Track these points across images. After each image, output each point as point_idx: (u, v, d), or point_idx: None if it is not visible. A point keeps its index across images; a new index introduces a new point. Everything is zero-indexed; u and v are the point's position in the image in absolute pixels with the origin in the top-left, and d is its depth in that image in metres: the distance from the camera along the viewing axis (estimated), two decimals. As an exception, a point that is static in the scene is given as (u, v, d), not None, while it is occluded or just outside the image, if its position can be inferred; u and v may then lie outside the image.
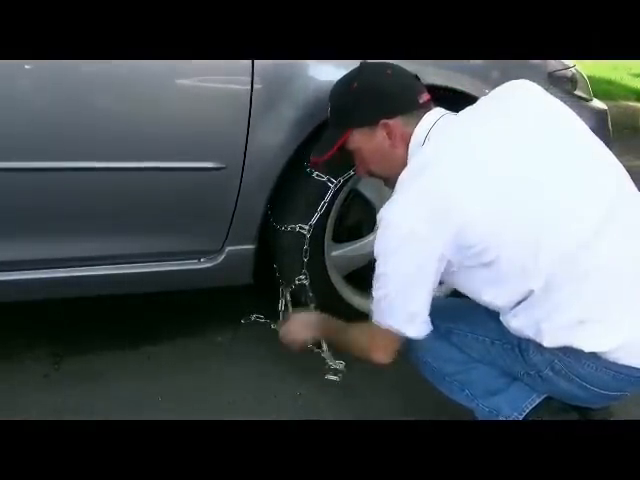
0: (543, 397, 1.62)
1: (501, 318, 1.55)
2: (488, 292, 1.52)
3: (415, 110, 1.60)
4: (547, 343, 1.47)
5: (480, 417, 1.70)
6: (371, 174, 1.73)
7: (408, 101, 1.61)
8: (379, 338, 1.59)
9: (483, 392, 1.67)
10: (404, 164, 1.56)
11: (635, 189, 1.54)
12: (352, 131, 1.64)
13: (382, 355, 1.62)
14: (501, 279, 1.47)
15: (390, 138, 1.60)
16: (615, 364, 1.45)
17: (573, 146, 1.53)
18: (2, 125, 1.62)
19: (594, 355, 1.44)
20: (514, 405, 1.64)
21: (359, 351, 1.69)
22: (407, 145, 1.59)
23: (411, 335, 1.54)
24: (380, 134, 1.61)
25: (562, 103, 1.61)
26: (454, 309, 1.73)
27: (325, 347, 2.09)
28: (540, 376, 1.55)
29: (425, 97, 1.63)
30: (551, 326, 1.46)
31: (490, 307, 1.56)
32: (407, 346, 1.69)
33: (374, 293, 1.54)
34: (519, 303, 1.49)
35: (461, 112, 1.61)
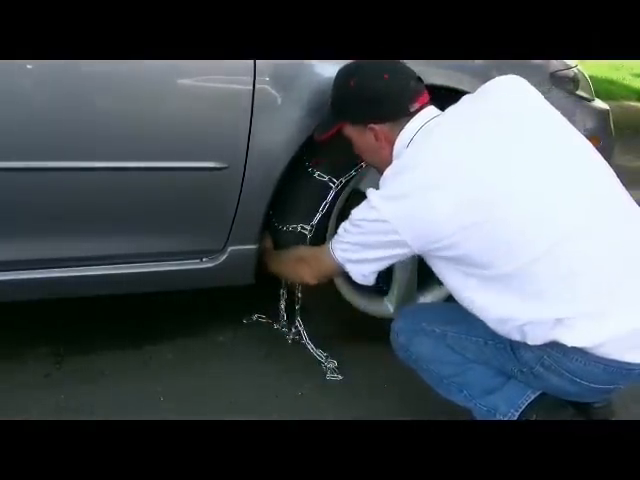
0: (538, 393, 1.65)
1: (489, 324, 1.58)
2: (465, 290, 1.58)
3: (404, 117, 1.65)
4: (531, 342, 1.52)
5: (478, 417, 1.71)
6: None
7: (398, 108, 1.66)
8: (320, 258, 1.72)
9: (480, 392, 1.70)
10: (390, 162, 1.64)
11: (616, 181, 1.56)
12: (345, 124, 1.74)
13: (311, 276, 1.77)
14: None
15: (377, 140, 1.69)
16: (603, 358, 1.47)
17: (554, 145, 1.56)
18: (3, 124, 1.62)
19: (580, 350, 1.47)
20: (510, 402, 1.66)
21: (296, 264, 1.83)
22: (393, 147, 1.67)
23: (349, 272, 1.65)
24: (368, 134, 1.70)
25: (541, 97, 1.64)
26: (449, 312, 1.76)
27: (312, 346, 2.15)
28: (532, 373, 1.59)
29: (418, 103, 1.66)
30: (533, 327, 1.50)
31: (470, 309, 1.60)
32: (405, 351, 1.75)
33: (343, 226, 1.65)
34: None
35: (446, 111, 1.65)
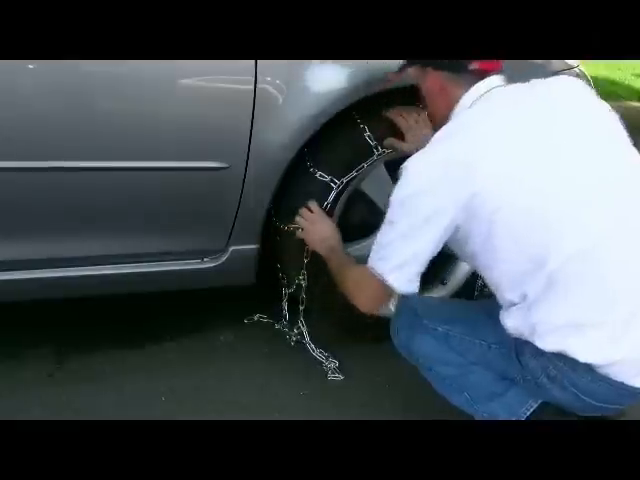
0: (540, 402, 1.63)
1: (500, 316, 1.54)
2: (494, 268, 1.53)
3: (463, 73, 1.62)
4: (541, 344, 1.46)
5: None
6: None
7: (455, 62, 1.64)
8: (364, 283, 1.63)
9: (481, 397, 1.68)
10: (446, 116, 1.62)
11: None
12: (412, 65, 1.72)
13: (363, 301, 1.66)
14: (504, 258, 1.48)
15: (434, 88, 1.66)
16: (611, 379, 1.43)
17: (602, 150, 1.52)
18: (8, 124, 1.63)
19: (589, 366, 1.43)
20: (511, 411, 1.64)
21: (347, 291, 1.72)
22: (451, 102, 1.62)
23: (392, 283, 1.55)
24: (429, 79, 1.67)
25: (601, 103, 1.61)
26: (451, 310, 1.76)
27: (313, 346, 2.16)
28: (536, 383, 1.55)
29: (478, 65, 1.63)
30: (546, 328, 1.45)
31: (494, 290, 1.56)
32: (406, 348, 1.74)
33: (377, 239, 1.58)
34: (515, 304, 1.50)
35: (510, 87, 1.62)
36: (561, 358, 1.46)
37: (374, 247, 1.59)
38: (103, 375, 2.00)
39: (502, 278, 1.52)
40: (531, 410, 1.63)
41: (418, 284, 1.56)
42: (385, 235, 1.55)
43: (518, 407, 1.64)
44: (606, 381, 1.44)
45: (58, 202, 1.75)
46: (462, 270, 2.30)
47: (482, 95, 1.58)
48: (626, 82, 6.64)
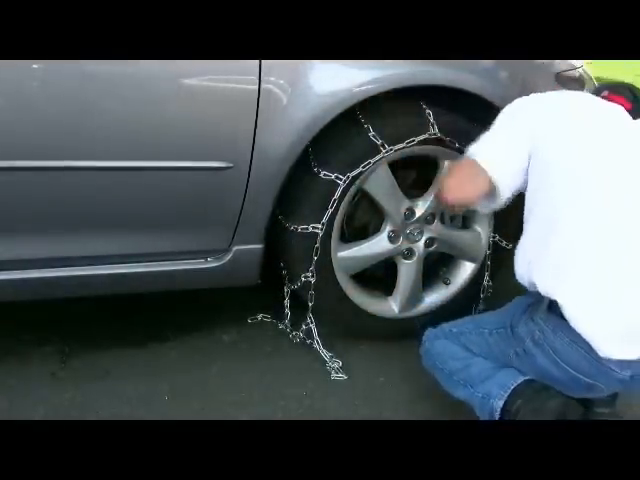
0: (527, 377, 1.73)
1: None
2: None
3: None
4: (538, 281, 1.66)
5: (477, 408, 1.77)
6: None
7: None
8: (457, 168, 1.81)
9: (477, 382, 1.79)
10: None
11: None
12: None
13: (452, 192, 1.77)
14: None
15: None
16: (584, 342, 1.59)
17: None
18: (12, 124, 1.63)
19: (568, 327, 1.60)
20: (501, 385, 1.74)
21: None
22: None
23: (482, 158, 1.72)
24: None
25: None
26: (471, 317, 2.00)
27: (319, 345, 2.16)
28: (524, 350, 1.71)
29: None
30: (540, 266, 1.67)
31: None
32: (427, 354, 1.91)
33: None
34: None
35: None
36: (547, 321, 1.66)
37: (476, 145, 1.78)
38: (106, 374, 2.01)
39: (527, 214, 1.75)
40: (518, 382, 1.72)
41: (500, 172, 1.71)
42: (484, 135, 1.78)
43: (507, 381, 1.73)
44: (581, 346, 1.60)
45: (65, 201, 1.76)
46: (466, 270, 2.30)
47: None
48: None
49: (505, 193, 1.73)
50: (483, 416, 1.75)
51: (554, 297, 1.62)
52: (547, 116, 1.71)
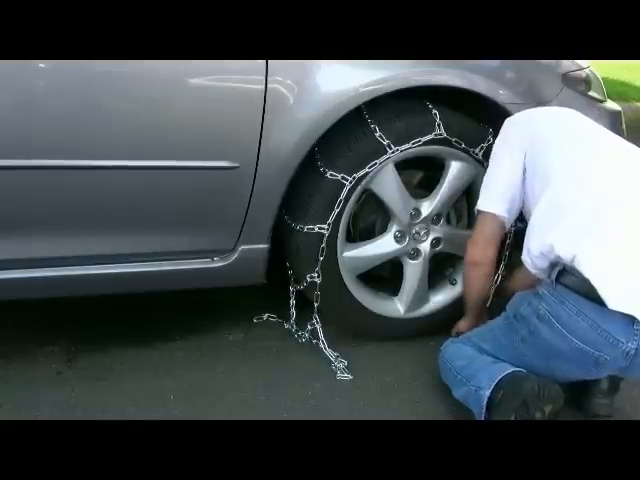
0: (516, 369, 1.77)
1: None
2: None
3: None
4: (556, 241, 1.72)
5: (470, 401, 1.81)
6: None
7: None
8: (476, 231, 2.02)
9: (474, 375, 1.82)
10: None
11: None
12: None
13: (472, 249, 2.02)
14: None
15: None
16: (592, 310, 1.63)
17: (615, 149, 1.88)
18: (19, 123, 1.64)
19: (575, 297, 1.66)
20: (490, 377, 1.78)
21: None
22: None
23: (492, 210, 1.95)
24: None
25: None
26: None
27: (326, 344, 2.16)
28: (530, 331, 1.75)
29: None
30: (557, 230, 1.74)
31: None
32: (441, 359, 1.97)
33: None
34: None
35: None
36: (553, 292, 1.71)
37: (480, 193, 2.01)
38: (112, 373, 2.01)
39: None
40: (505, 372, 1.76)
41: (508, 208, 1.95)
42: (485, 177, 2.00)
43: (496, 374, 1.77)
44: (586, 314, 1.64)
45: (71, 201, 1.76)
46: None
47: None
48: (636, 83, 6.61)
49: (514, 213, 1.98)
50: (475, 409, 1.78)
51: (574, 252, 1.67)
52: (534, 120, 1.97)
